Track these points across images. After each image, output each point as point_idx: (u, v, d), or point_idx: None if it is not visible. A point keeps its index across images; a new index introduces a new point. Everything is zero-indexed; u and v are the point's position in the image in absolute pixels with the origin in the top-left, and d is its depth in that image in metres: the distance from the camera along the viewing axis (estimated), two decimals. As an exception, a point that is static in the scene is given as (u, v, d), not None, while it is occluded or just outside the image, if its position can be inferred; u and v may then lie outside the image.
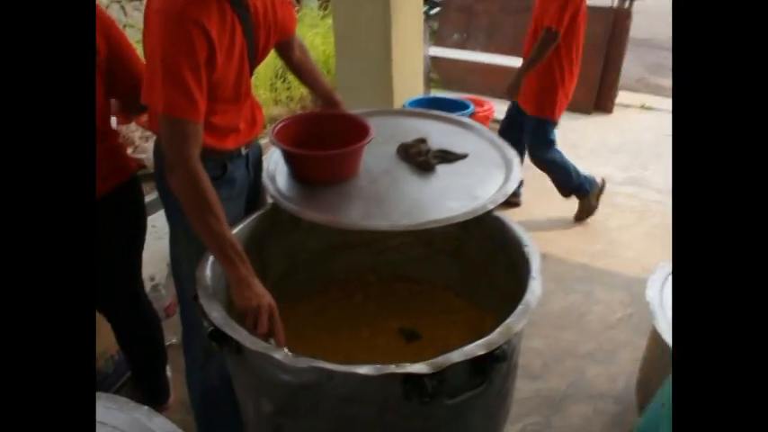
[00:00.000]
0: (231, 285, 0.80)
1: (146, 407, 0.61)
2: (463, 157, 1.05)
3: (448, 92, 2.83)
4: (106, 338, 1.24)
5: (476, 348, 0.68)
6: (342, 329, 1.01)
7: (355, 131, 0.99)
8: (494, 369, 0.70)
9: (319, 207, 0.93)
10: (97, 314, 1.15)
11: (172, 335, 1.38)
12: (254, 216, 0.98)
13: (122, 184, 1.02)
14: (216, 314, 0.74)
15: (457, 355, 0.66)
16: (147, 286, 1.56)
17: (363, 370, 0.64)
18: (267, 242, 0.99)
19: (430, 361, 0.65)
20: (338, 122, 1.04)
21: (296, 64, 1.07)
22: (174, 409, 1.31)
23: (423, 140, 1.06)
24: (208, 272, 0.83)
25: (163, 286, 1.51)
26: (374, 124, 1.00)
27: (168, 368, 1.36)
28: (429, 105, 2.08)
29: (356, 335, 1.00)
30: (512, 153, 1.07)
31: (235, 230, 0.92)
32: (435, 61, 2.90)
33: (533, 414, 1.26)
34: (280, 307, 0.98)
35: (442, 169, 1.02)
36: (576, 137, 2.57)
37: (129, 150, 1.32)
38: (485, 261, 1.00)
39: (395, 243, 1.11)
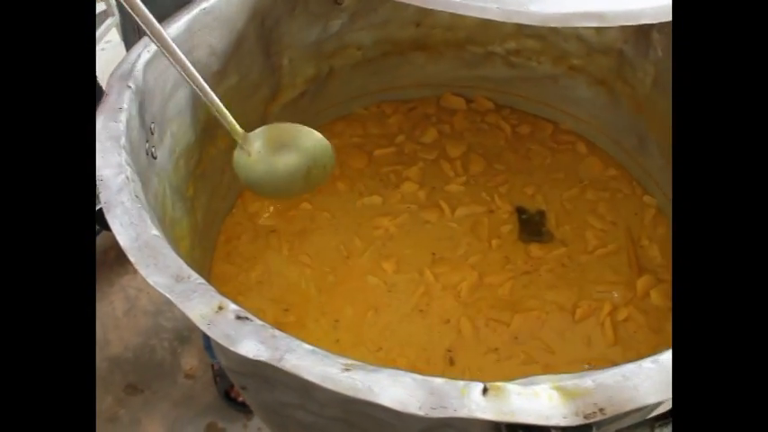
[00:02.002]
0: None
1: None
2: None
3: None
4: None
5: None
6: (396, 183, 0.61)
7: None
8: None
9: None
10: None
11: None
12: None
13: None
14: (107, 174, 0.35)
15: (647, 389, 0.25)
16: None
17: (393, 392, 0.25)
18: (282, 29, 0.56)
19: (575, 392, 0.25)
20: None
21: None
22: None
23: None
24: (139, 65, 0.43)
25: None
26: None
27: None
28: None
29: (420, 197, 0.60)
30: None
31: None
32: None
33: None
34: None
35: None
36: None
37: None
38: (668, 102, 0.55)
39: (504, 49, 0.64)
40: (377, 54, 0.65)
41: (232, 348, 0.26)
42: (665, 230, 0.57)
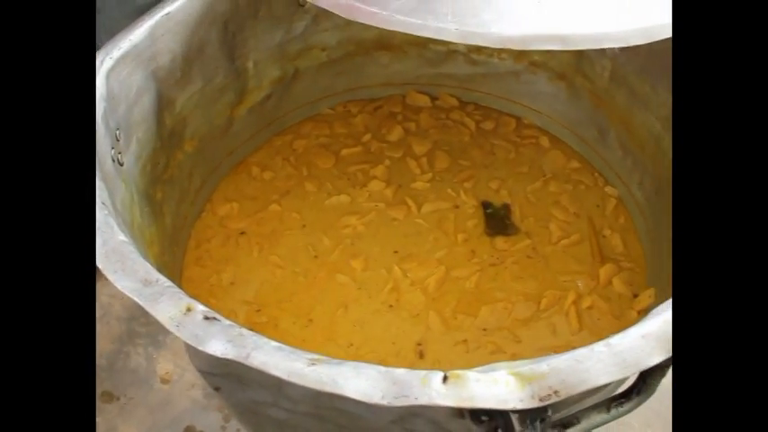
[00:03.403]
0: None
1: None
2: None
3: None
4: None
5: (644, 347, 0.28)
6: (363, 182, 0.62)
7: None
8: (662, 375, 0.31)
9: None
10: None
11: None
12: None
13: None
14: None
15: (598, 371, 0.27)
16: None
17: (356, 383, 0.26)
18: (246, 33, 0.57)
19: (531, 376, 0.26)
20: None
21: None
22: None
23: None
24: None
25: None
26: None
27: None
28: None
29: (387, 195, 0.61)
30: None
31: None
32: None
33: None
34: (262, 136, 0.61)
35: None
36: None
37: None
38: (625, 95, 0.56)
39: (466, 47, 0.65)
40: (341, 54, 0.65)
41: (200, 348, 0.27)
42: (625, 220, 0.58)
